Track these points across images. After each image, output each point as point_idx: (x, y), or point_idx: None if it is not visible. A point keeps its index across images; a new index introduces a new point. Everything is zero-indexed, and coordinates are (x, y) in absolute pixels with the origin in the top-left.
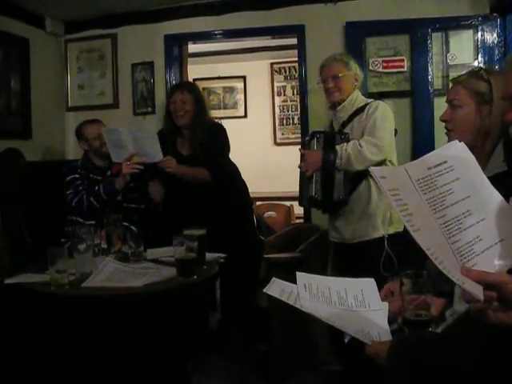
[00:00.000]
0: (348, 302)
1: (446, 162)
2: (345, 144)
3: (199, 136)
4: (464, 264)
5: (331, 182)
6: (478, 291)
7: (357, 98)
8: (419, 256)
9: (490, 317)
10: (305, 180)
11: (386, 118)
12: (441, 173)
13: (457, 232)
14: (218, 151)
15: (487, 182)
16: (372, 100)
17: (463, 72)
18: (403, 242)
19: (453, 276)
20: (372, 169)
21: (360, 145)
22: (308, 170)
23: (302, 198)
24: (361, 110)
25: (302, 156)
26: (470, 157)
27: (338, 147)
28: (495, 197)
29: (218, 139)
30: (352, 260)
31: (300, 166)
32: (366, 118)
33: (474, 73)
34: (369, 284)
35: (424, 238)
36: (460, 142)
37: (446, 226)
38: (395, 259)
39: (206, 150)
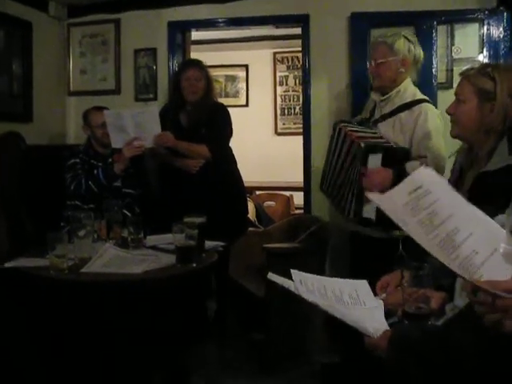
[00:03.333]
0: (343, 300)
1: (421, 186)
2: (413, 163)
3: (202, 112)
4: (471, 277)
5: None
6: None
7: (405, 91)
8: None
9: (507, 327)
10: (357, 195)
11: (439, 129)
12: (420, 196)
13: (453, 249)
14: (218, 129)
15: (463, 199)
16: (420, 98)
17: (469, 66)
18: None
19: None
20: (370, 196)
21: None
22: (371, 189)
23: (348, 210)
24: (406, 106)
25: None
26: (441, 179)
27: (409, 167)
28: (474, 211)
29: (219, 118)
30: (371, 253)
31: (363, 184)
32: (415, 124)
33: (482, 69)
34: (362, 285)
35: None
36: (426, 168)
37: (443, 245)
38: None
39: (207, 126)
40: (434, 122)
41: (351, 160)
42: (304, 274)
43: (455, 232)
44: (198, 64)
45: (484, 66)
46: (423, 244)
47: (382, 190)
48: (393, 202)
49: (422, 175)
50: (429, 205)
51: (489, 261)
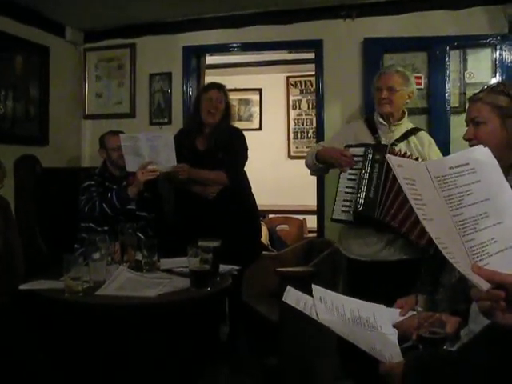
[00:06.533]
0: (361, 322)
1: (468, 164)
2: None
3: (220, 136)
4: (476, 262)
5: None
6: (483, 284)
7: (407, 119)
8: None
9: (498, 317)
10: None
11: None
12: (462, 173)
13: (471, 231)
14: (236, 155)
15: (509, 188)
16: (417, 127)
17: (479, 89)
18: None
19: (459, 266)
20: (389, 157)
21: None
22: None
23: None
24: (412, 132)
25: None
26: (494, 162)
27: None
28: None
29: (237, 143)
30: (378, 279)
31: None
32: (426, 148)
33: (493, 88)
34: (380, 309)
35: (435, 228)
36: (484, 147)
37: (462, 225)
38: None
39: (224, 150)
40: (434, 144)
41: None
42: (325, 290)
43: (483, 216)
44: (220, 87)
45: (494, 86)
46: (437, 216)
47: None
48: (421, 171)
49: (475, 153)
50: (467, 183)
51: (504, 253)
